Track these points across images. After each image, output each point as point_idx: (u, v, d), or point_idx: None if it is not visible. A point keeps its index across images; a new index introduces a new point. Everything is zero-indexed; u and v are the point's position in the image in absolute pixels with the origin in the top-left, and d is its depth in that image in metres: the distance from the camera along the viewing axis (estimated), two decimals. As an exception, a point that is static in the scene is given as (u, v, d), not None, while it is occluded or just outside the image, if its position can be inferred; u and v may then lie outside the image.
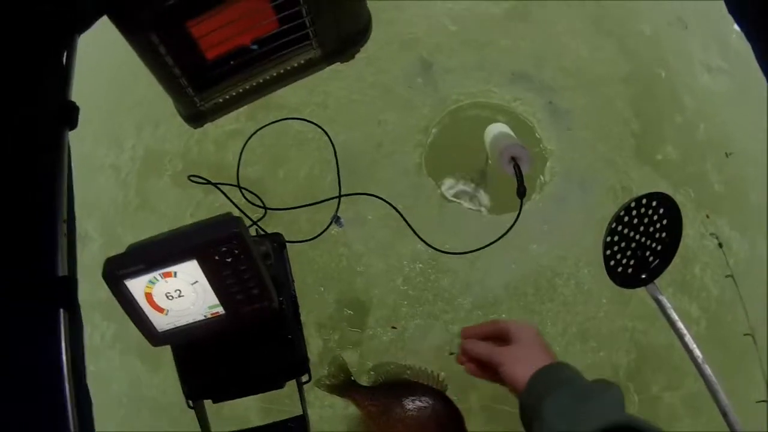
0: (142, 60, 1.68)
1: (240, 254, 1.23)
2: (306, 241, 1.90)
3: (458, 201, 2.04)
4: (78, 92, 1.53)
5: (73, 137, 1.49)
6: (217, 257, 1.22)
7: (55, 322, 1.25)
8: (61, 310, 1.26)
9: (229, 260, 1.23)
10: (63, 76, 1.56)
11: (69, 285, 1.32)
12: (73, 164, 1.46)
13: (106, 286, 1.19)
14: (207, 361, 1.41)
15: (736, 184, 2.15)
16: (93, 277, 1.25)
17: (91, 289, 1.27)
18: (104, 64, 2.10)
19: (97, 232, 2.06)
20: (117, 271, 1.21)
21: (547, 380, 1.11)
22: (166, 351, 1.37)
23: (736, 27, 1.76)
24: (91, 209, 2.03)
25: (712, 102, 2.26)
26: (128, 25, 1.60)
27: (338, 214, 1.96)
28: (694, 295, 1.96)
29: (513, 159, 1.85)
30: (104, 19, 1.58)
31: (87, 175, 2.05)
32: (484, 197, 2.05)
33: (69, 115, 1.52)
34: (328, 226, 1.94)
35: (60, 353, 1.22)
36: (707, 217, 2.07)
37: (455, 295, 1.92)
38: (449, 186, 2.07)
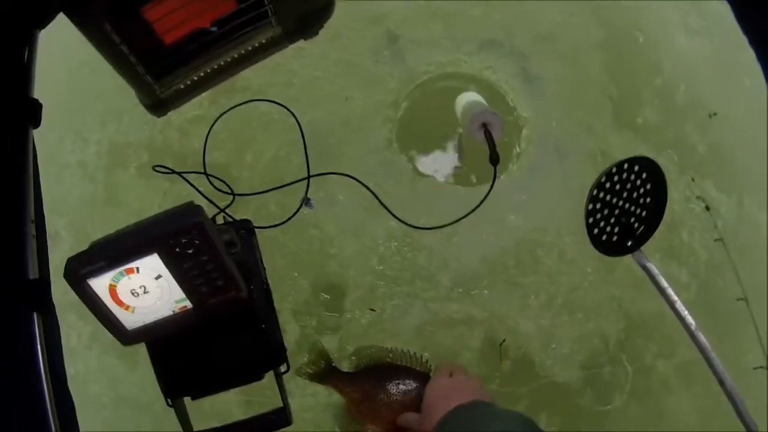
0: (99, 51, 1.67)
1: (201, 244, 1.22)
2: (276, 225, 1.89)
3: (432, 175, 2.03)
4: (39, 88, 1.51)
5: (36, 135, 1.47)
6: (178, 249, 1.21)
7: (29, 326, 1.25)
8: (35, 314, 1.26)
9: (190, 251, 1.22)
10: (25, 72, 1.54)
11: (41, 287, 1.31)
12: (38, 163, 1.44)
13: (78, 287, 1.20)
14: (182, 358, 1.41)
15: (720, 145, 2.14)
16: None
17: (65, 290, 1.25)
18: (64, 58, 2.08)
19: (67, 231, 2.04)
20: (78, 270, 1.21)
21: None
22: (143, 348, 1.39)
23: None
24: (60, 208, 2.01)
25: (692, 64, 2.25)
26: (80, 16, 1.59)
27: (308, 196, 1.95)
28: (683, 261, 1.96)
29: (484, 125, 1.84)
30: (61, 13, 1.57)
31: (53, 173, 2.03)
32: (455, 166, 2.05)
33: (32, 113, 1.51)
34: (298, 209, 1.93)
35: (36, 358, 1.22)
36: (692, 180, 2.06)
37: (433, 273, 1.91)
38: (424, 163, 2.06)
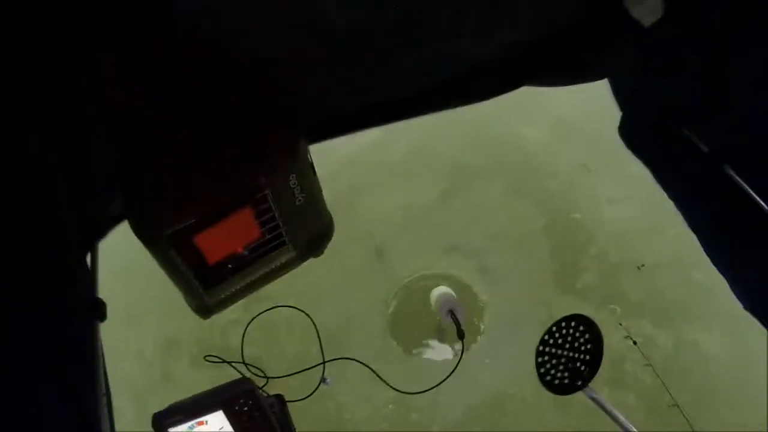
0: (161, 267, 1.75)
1: (253, 405, 1.46)
2: (301, 399, 2.16)
3: (421, 351, 2.37)
4: (103, 287, 1.69)
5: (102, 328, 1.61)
6: (236, 407, 1.44)
7: None
8: None
9: (245, 409, 1.46)
10: (89, 275, 1.71)
11: None
12: (104, 351, 1.59)
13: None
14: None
15: (652, 289, 2.44)
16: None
17: None
18: (121, 264, 2.28)
19: (129, 407, 2.28)
20: (162, 421, 1.43)
21: None
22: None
23: (634, 158, 1.89)
24: (122, 388, 2.21)
25: (620, 228, 2.59)
26: (152, 243, 1.66)
27: (324, 376, 2.25)
28: (630, 388, 2.22)
29: (450, 311, 2.22)
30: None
31: (116, 362, 2.07)
32: (444, 348, 2.41)
33: (98, 310, 1.65)
34: (318, 386, 2.22)
35: None
36: (620, 324, 2.29)
37: (426, 426, 2.20)
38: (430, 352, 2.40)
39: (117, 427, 1.53)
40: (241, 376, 2.20)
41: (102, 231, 1.82)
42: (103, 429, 1.46)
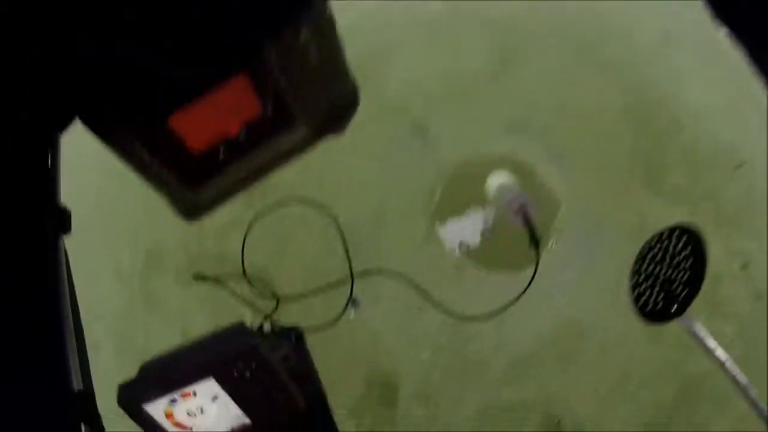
0: (127, 165, 1.66)
1: (258, 367, 1.25)
2: (324, 328, 1.93)
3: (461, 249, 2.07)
4: (66, 194, 1.44)
5: (68, 243, 1.40)
6: (235, 373, 1.24)
7: None
8: (83, 426, 1.24)
9: (248, 374, 1.26)
10: (50, 179, 1.46)
11: (87, 400, 1.29)
12: (72, 272, 1.41)
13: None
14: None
15: (750, 194, 2.17)
16: (111, 386, 1.26)
17: (112, 399, 1.26)
18: (89, 163, 2.11)
19: (107, 340, 2.08)
20: (133, 397, 1.23)
21: None
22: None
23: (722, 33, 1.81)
24: (98, 316, 2.05)
25: (710, 116, 2.30)
26: (102, 131, 1.60)
27: (353, 296, 2.00)
28: (727, 318, 2.00)
29: (521, 208, 1.92)
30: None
31: (88, 281, 2.07)
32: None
33: (62, 220, 1.40)
34: (344, 311, 1.98)
35: None
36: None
37: (485, 359, 1.95)
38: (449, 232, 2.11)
39: (93, 365, 1.32)
40: (239, 298, 1.97)
41: (65, 120, 1.35)
42: (71, 373, 1.28)
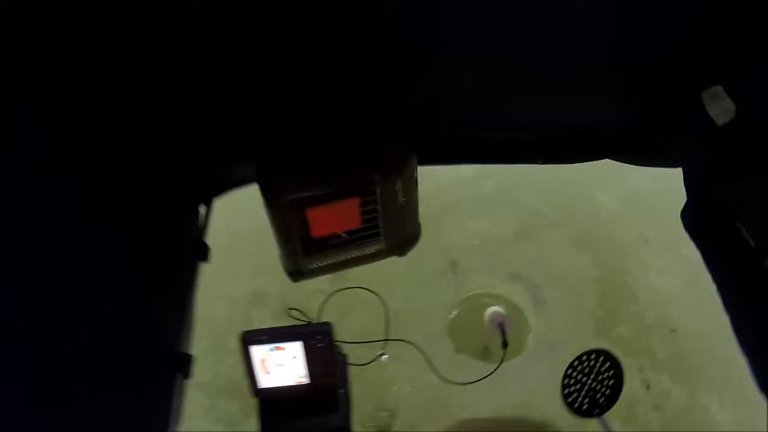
0: (274, 226, 1.91)
1: (327, 345, 1.62)
2: (361, 365, 2.37)
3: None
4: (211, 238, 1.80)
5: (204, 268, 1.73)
6: (313, 341, 1.61)
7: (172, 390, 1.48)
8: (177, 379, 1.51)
9: (320, 346, 1.61)
10: (201, 223, 1.82)
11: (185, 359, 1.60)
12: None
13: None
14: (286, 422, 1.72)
15: (678, 351, 2.50)
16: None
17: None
18: (233, 222, 2.43)
19: (205, 336, 2.35)
20: (249, 337, 1.60)
21: None
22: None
23: (689, 240, 1.96)
24: (205, 321, 2.07)
25: (662, 296, 2.68)
26: (274, 204, 1.84)
27: (383, 351, 2.43)
28: (639, 427, 2.32)
29: (500, 324, 2.42)
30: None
31: (207, 298, 2.04)
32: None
33: (203, 251, 1.80)
34: (375, 358, 2.41)
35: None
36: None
37: (456, 410, 2.33)
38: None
39: (192, 350, 1.67)
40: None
41: (220, 189, 1.97)
42: (183, 336, 1.59)
